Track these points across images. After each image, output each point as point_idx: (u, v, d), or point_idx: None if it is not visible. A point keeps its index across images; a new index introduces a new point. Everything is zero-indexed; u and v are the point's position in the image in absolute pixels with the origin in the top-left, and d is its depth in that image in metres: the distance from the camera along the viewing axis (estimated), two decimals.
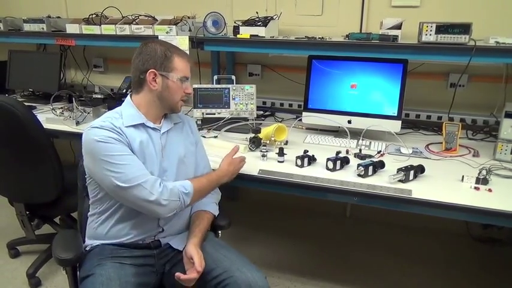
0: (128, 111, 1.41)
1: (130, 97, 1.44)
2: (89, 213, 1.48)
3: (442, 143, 1.96)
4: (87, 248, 1.44)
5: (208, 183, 1.47)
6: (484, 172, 1.59)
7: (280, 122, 2.44)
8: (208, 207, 1.55)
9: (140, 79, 1.39)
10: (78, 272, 1.42)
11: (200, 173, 1.55)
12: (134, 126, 1.38)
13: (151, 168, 1.37)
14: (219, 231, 1.62)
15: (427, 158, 1.86)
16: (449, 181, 1.60)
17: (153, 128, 1.42)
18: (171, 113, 1.48)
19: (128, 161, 1.30)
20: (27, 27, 2.71)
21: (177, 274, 1.31)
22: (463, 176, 1.59)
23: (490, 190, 1.52)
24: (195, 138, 1.58)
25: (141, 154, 1.36)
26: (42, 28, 2.67)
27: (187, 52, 2.05)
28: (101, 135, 1.29)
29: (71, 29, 2.54)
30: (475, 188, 1.54)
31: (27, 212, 2.05)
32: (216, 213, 1.57)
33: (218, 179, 1.51)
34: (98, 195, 1.41)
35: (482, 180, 1.55)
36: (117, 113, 1.40)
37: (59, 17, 2.85)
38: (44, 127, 1.90)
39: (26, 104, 2.23)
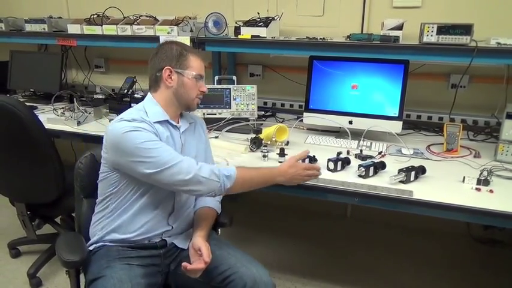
0: (153, 108, 1.42)
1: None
2: (96, 212, 1.46)
3: (443, 143, 1.95)
4: (91, 248, 1.43)
5: (257, 175, 1.43)
6: (485, 173, 1.59)
7: (281, 122, 2.44)
8: (212, 205, 1.56)
9: (156, 77, 1.43)
10: (84, 274, 1.40)
11: None
12: (160, 122, 1.41)
13: None
14: (219, 229, 1.63)
15: (428, 158, 1.85)
16: (451, 182, 1.60)
17: (174, 126, 1.45)
18: (187, 111, 1.52)
19: (161, 145, 1.32)
20: (28, 27, 2.72)
21: (184, 264, 1.31)
22: (464, 177, 1.59)
23: (491, 191, 1.52)
24: (205, 137, 1.61)
25: None
26: (44, 28, 2.67)
27: None
28: (132, 126, 1.30)
29: (72, 29, 2.54)
30: (476, 189, 1.54)
31: (28, 212, 2.05)
32: (219, 211, 1.58)
33: (271, 175, 1.44)
34: (115, 189, 1.39)
35: (483, 181, 1.55)
36: (140, 110, 1.41)
37: (60, 18, 2.85)
38: (45, 127, 1.90)
39: (27, 104, 2.23)
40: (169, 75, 1.41)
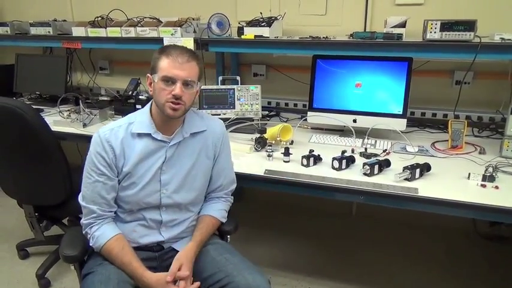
0: (141, 117, 1.41)
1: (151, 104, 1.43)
2: None
3: (448, 140, 1.95)
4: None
5: (121, 263, 1.34)
6: (490, 169, 1.59)
7: (286, 122, 2.45)
8: (216, 213, 1.52)
9: None
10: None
11: (219, 184, 1.54)
12: (142, 134, 1.38)
13: (146, 180, 1.38)
14: (228, 236, 1.60)
15: (433, 156, 1.85)
16: (456, 179, 1.60)
17: (161, 140, 1.39)
18: (169, 119, 1.36)
19: (91, 185, 1.37)
20: (33, 30, 2.74)
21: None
22: (469, 174, 1.59)
23: (496, 187, 1.52)
24: (215, 150, 1.50)
25: (137, 165, 1.37)
26: (49, 31, 2.69)
27: None
28: (94, 144, 1.37)
29: (77, 32, 2.56)
30: (482, 185, 1.54)
31: (36, 214, 2.07)
32: (223, 220, 1.54)
33: (134, 274, 1.32)
34: None
35: (488, 178, 1.55)
36: (130, 119, 1.41)
37: (65, 20, 2.88)
38: (52, 130, 1.91)
39: (34, 107, 2.24)
40: (150, 83, 1.37)
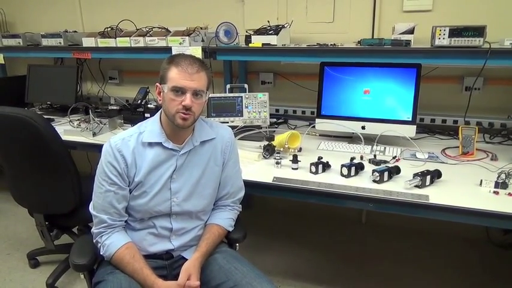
0: (152, 126, 1.41)
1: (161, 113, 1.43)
2: None
3: (458, 147, 1.93)
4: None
5: (131, 270, 1.33)
6: (503, 176, 1.56)
7: (294, 129, 2.44)
8: (222, 222, 1.51)
9: None
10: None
11: (226, 192, 1.53)
12: (153, 143, 1.39)
13: (157, 189, 1.38)
14: (237, 244, 1.59)
15: (444, 162, 1.83)
16: (467, 186, 1.58)
17: (171, 149, 1.40)
18: (178, 128, 1.37)
19: (103, 194, 1.38)
20: (45, 42, 2.79)
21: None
22: (481, 181, 1.56)
23: (510, 194, 1.49)
24: (224, 157, 1.50)
25: (149, 174, 1.38)
26: (60, 42, 2.74)
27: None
28: (105, 154, 1.39)
29: (87, 42, 2.60)
30: (494, 192, 1.51)
31: (47, 223, 2.09)
32: (230, 228, 1.53)
33: (145, 278, 1.32)
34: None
35: (501, 184, 1.52)
36: (140, 129, 1.42)
37: (75, 31, 2.93)
38: (62, 139, 1.93)
39: (45, 116, 2.28)
40: (159, 92, 1.38)
